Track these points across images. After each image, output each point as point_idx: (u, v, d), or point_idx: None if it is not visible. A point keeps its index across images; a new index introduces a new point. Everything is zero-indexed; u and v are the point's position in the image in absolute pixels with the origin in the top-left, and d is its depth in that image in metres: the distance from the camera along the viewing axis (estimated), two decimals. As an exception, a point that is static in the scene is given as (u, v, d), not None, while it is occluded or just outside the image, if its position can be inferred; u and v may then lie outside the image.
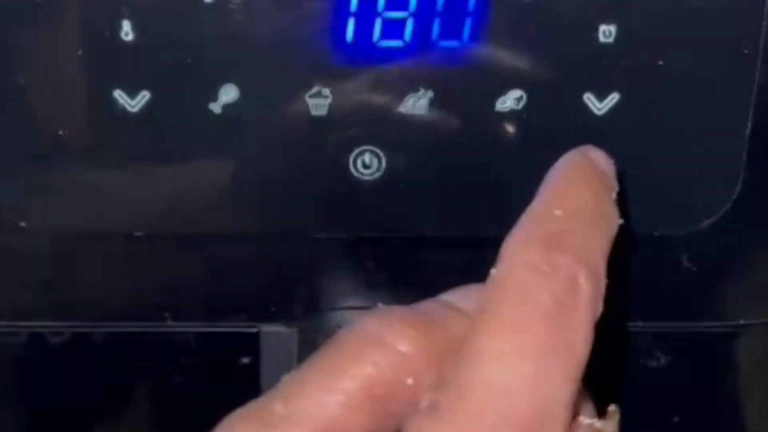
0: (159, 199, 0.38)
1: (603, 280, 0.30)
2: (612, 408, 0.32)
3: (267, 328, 0.41)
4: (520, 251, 0.30)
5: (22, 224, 0.38)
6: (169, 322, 0.41)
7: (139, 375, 0.42)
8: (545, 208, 0.31)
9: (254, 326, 0.41)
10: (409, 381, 0.29)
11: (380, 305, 0.32)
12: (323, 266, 0.40)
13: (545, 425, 0.27)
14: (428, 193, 0.38)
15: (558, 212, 0.31)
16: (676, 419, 0.43)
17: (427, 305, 0.31)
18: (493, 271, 0.30)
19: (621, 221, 0.32)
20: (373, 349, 0.29)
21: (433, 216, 0.38)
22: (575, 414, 0.30)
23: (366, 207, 0.38)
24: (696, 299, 0.41)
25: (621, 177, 0.37)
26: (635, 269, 0.40)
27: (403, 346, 0.29)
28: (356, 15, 0.35)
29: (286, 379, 0.30)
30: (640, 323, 0.41)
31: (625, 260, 0.39)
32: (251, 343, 0.41)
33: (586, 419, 0.30)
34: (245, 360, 0.42)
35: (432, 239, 0.39)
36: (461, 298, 0.32)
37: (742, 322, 0.42)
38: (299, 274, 0.40)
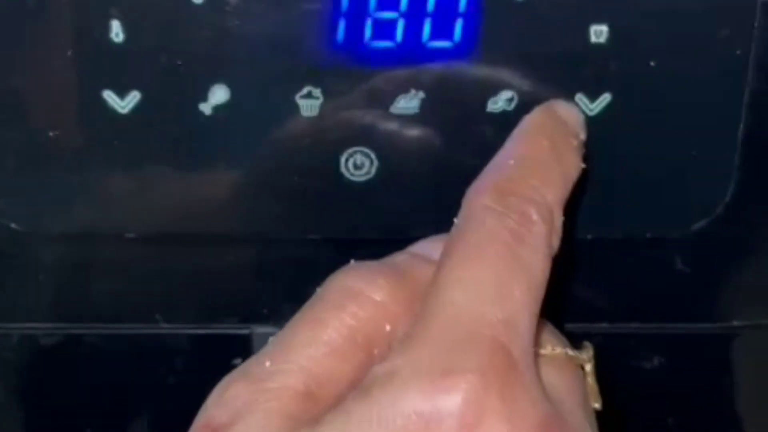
0: (150, 201, 0.38)
1: (558, 217, 0.32)
2: (585, 343, 0.34)
3: (259, 330, 0.41)
4: (476, 197, 0.32)
5: (14, 226, 0.38)
6: (162, 324, 0.41)
7: (131, 377, 0.42)
8: (501, 160, 0.34)
9: (246, 328, 0.41)
10: (387, 327, 0.31)
11: (353, 261, 0.33)
12: (315, 267, 0.39)
13: (511, 332, 0.29)
14: (420, 194, 0.38)
15: (511, 161, 0.33)
16: (670, 420, 0.43)
17: (397, 257, 0.34)
18: (455, 220, 0.32)
19: (583, 165, 0.34)
20: (351, 301, 0.31)
21: (425, 217, 0.38)
22: (550, 346, 0.32)
23: (357, 208, 0.38)
24: (689, 301, 0.41)
25: (613, 178, 0.37)
26: (628, 271, 0.40)
27: (379, 295, 0.31)
28: (347, 16, 0.35)
29: (272, 339, 0.32)
30: (634, 325, 0.41)
31: (617, 262, 0.39)
32: (243, 345, 0.41)
33: (561, 349, 0.32)
34: (237, 361, 0.42)
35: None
36: (428, 248, 0.34)
37: (735, 323, 0.42)
38: (291, 275, 0.40)
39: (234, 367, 0.42)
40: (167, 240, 0.39)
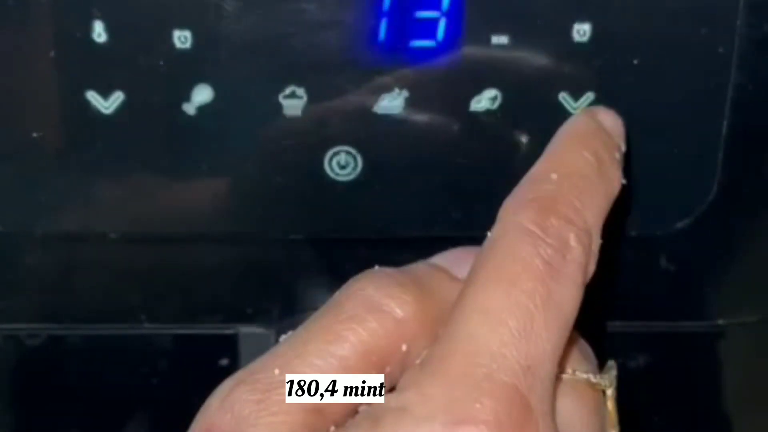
0: (134, 201, 0.37)
1: (596, 241, 0.31)
2: (609, 363, 0.33)
3: (245, 330, 0.41)
4: (514, 214, 0.30)
5: (-4, 226, 0.38)
6: (146, 325, 0.41)
7: (115, 378, 0.42)
8: (542, 172, 0.32)
9: (231, 328, 0.41)
10: (404, 347, 0.29)
11: (377, 267, 0.31)
12: (300, 267, 0.40)
13: (532, 378, 0.28)
14: (404, 193, 0.37)
15: (554, 175, 0.31)
16: (655, 419, 0.43)
17: (421, 269, 0.32)
18: (489, 233, 0.31)
19: (624, 182, 0.33)
20: (370, 315, 0.29)
21: (410, 216, 0.38)
22: (572, 369, 0.31)
23: (342, 208, 0.38)
24: (674, 299, 0.41)
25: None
26: (612, 269, 0.40)
27: (401, 313, 0.29)
28: (330, 15, 0.35)
29: (283, 342, 0.30)
30: (618, 323, 0.41)
31: (602, 261, 0.39)
32: (229, 345, 0.41)
33: (582, 374, 0.31)
34: (223, 362, 0.42)
35: (409, 240, 0.38)
36: (452, 262, 0.33)
37: (720, 322, 0.42)
38: (276, 275, 0.40)
39: (220, 368, 0.42)
40: (151, 240, 0.38)
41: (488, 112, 0.36)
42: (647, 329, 0.41)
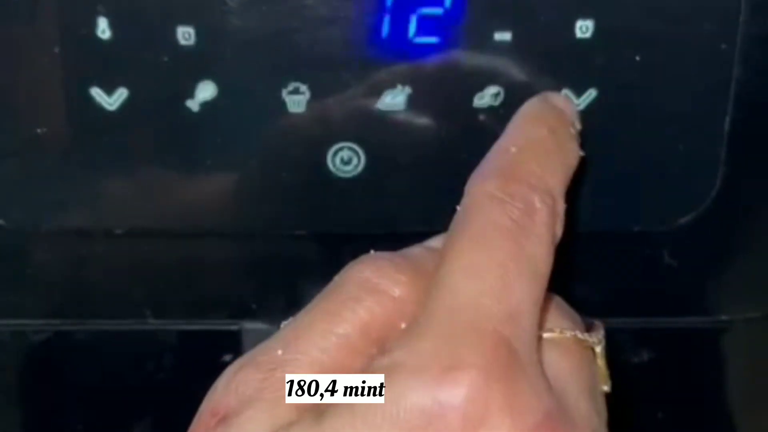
0: (138, 197, 0.38)
1: (560, 205, 0.32)
2: (596, 323, 0.34)
3: (248, 326, 0.41)
4: (480, 185, 0.32)
5: (2, 223, 0.38)
6: (151, 320, 0.41)
7: (120, 373, 0.42)
8: (503, 146, 0.33)
9: (235, 323, 0.41)
10: (402, 324, 0.30)
11: (372, 252, 0.32)
12: (303, 263, 0.40)
13: (514, 326, 0.29)
14: (407, 189, 0.38)
15: (513, 148, 0.33)
16: (660, 415, 0.43)
17: (416, 251, 0.33)
18: (458, 207, 0.32)
19: (581, 153, 0.34)
20: (369, 295, 0.30)
21: (413, 212, 0.38)
22: (559, 329, 0.32)
23: (345, 203, 0.38)
24: (677, 295, 0.41)
25: (599, 173, 0.37)
26: (616, 265, 0.40)
27: (397, 292, 0.30)
28: (333, 12, 0.35)
29: (284, 327, 0.31)
30: (622, 319, 0.41)
31: (605, 256, 0.39)
32: (233, 341, 0.41)
33: (569, 332, 0.32)
34: (227, 357, 0.42)
35: (411, 235, 0.38)
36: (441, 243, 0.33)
37: (724, 317, 0.42)
38: (280, 271, 0.40)
39: (224, 363, 0.42)
40: (156, 236, 0.39)
41: (490, 109, 0.36)
42: (651, 325, 0.41)
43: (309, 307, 0.31)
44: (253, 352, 0.31)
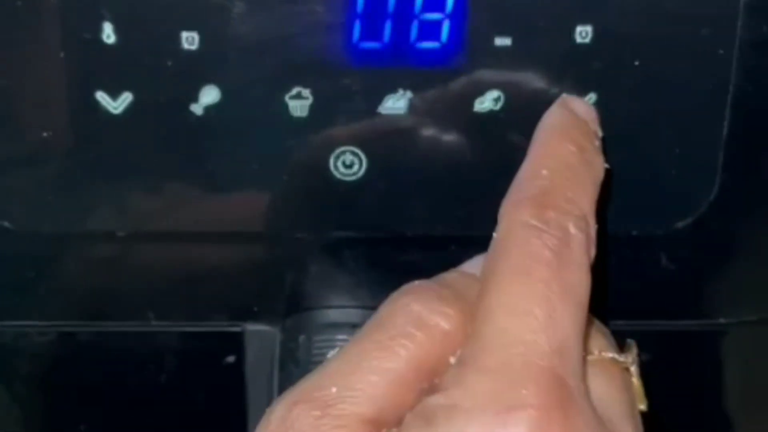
0: (141, 200, 0.38)
1: (593, 226, 0.33)
2: (629, 342, 0.34)
3: (250, 327, 0.41)
4: (514, 212, 0.32)
5: (6, 225, 0.38)
6: (153, 322, 0.41)
7: (123, 374, 0.43)
8: (532, 168, 0.33)
9: (238, 325, 0.42)
10: (452, 358, 0.30)
11: (417, 282, 0.32)
12: (306, 266, 0.40)
13: (565, 360, 0.29)
14: (409, 192, 0.38)
15: (544, 171, 0.33)
16: (657, 417, 0.43)
17: (457, 279, 0.33)
18: (494, 234, 0.32)
19: (607, 166, 0.35)
20: (419, 330, 0.30)
21: (414, 215, 0.38)
22: (597, 350, 0.33)
23: (347, 207, 0.38)
24: (675, 298, 0.41)
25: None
26: (614, 269, 0.40)
27: (448, 326, 0.31)
28: (335, 17, 0.35)
29: (333, 359, 0.31)
30: (620, 322, 0.41)
31: (603, 260, 0.40)
32: (235, 342, 0.42)
33: (608, 354, 0.33)
34: (229, 359, 0.42)
35: (413, 238, 0.39)
36: (478, 268, 0.33)
37: (722, 320, 0.42)
38: (282, 273, 0.40)
39: (227, 365, 0.42)
40: (159, 238, 0.39)
41: (491, 113, 0.37)
42: (648, 328, 0.42)
43: (358, 339, 0.31)
44: (305, 387, 0.30)
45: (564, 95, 0.36)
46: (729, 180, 0.38)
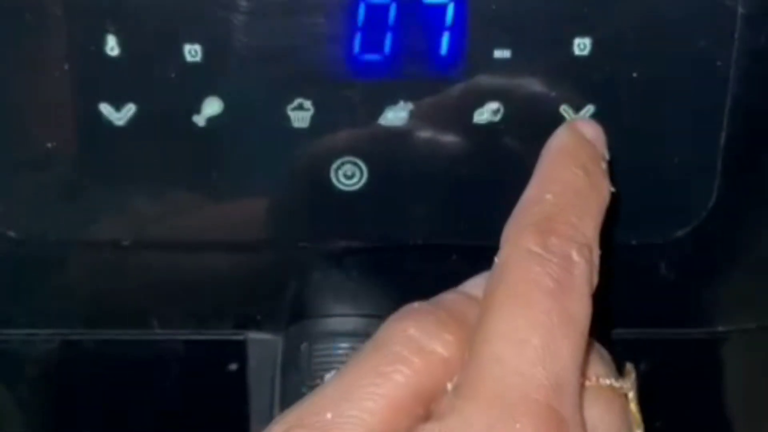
0: (145, 209, 0.38)
1: (596, 253, 0.32)
2: (628, 366, 0.34)
3: (253, 336, 0.42)
4: (517, 238, 0.31)
5: (12, 234, 0.38)
6: (157, 330, 0.41)
7: (126, 382, 0.43)
8: (536, 193, 0.33)
9: (241, 334, 0.42)
10: (449, 386, 0.30)
11: (416, 304, 0.32)
12: (307, 275, 0.40)
13: (561, 393, 0.29)
14: (409, 202, 0.38)
15: (549, 195, 0.33)
16: (656, 425, 0.44)
17: (456, 301, 0.32)
18: (496, 258, 0.32)
19: (613, 190, 0.34)
20: (416, 356, 0.30)
21: (414, 225, 0.39)
22: (595, 376, 0.32)
23: (348, 216, 0.38)
24: (674, 306, 0.42)
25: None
26: (613, 277, 0.40)
27: (446, 352, 0.30)
28: (336, 29, 0.36)
29: (329, 383, 0.31)
30: (619, 330, 0.42)
31: (602, 268, 0.40)
32: (238, 351, 0.42)
33: (605, 380, 0.32)
34: (232, 367, 0.43)
35: (413, 248, 0.39)
36: (481, 288, 0.33)
37: (720, 328, 0.42)
38: (284, 282, 0.41)
39: (229, 373, 0.43)
40: (162, 248, 0.39)
41: (491, 124, 0.37)
42: (647, 336, 0.42)
43: (354, 363, 0.31)
44: (299, 412, 0.30)
45: (573, 120, 0.36)
46: (727, 189, 0.38)
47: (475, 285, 0.34)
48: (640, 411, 0.34)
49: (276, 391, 0.41)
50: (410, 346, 0.30)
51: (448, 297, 0.33)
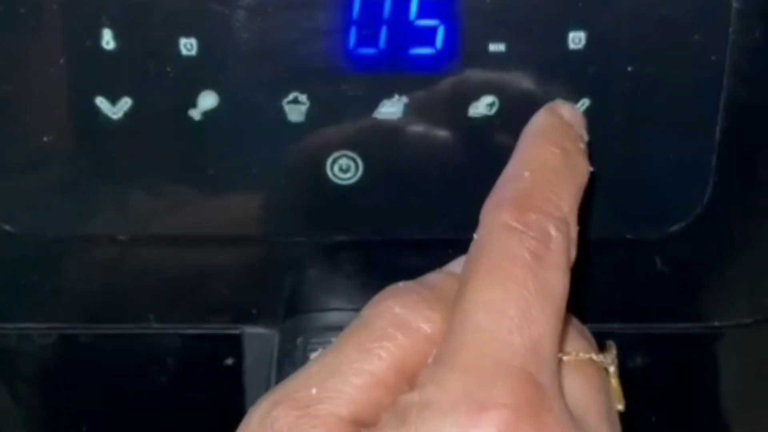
0: (141, 204, 0.38)
1: (574, 227, 0.33)
2: (609, 342, 0.35)
3: (249, 330, 0.42)
4: (495, 214, 0.32)
5: (8, 228, 0.39)
6: (153, 324, 0.41)
7: (123, 376, 0.43)
8: (515, 171, 0.34)
9: (237, 328, 0.42)
10: (431, 360, 0.30)
11: (401, 283, 0.32)
12: (303, 269, 0.41)
13: (538, 360, 0.30)
14: (404, 196, 0.38)
15: (526, 173, 0.33)
16: (652, 420, 0.44)
17: (441, 280, 0.33)
18: (475, 235, 0.32)
19: (591, 169, 0.34)
20: (400, 332, 0.31)
21: (410, 219, 0.39)
22: (575, 351, 0.33)
23: (344, 210, 0.39)
24: (670, 301, 0.42)
25: (593, 181, 0.38)
26: (609, 272, 0.41)
27: (428, 328, 0.31)
28: (332, 23, 0.36)
29: (315, 360, 0.31)
30: (616, 325, 0.42)
31: (597, 263, 0.40)
32: (234, 345, 0.42)
33: (585, 354, 0.33)
34: (228, 361, 0.43)
35: (409, 241, 0.39)
36: (461, 267, 0.33)
37: (716, 323, 0.42)
38: (280, 276, 0.41)
39: (226, 367, 0.43)
40: (158, 242, 0.39)
41: (485, 118, 0.37)
42: (643, 331, 0.42)
43: (340, 342, 0.31)
44: (286, 388, 0.31)
45: (553, 102, 0.36)
46: (722, 183, 0.38)
47: (458, 264, 0.34)
48: (622, 386, 0.34)
49: (272, 384, 0.41)
50: (395, 323, 0.31)
51: (432, 276, 0.34)
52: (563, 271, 0.31)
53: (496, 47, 0.36)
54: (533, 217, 0.32)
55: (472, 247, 0.32)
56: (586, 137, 0.35)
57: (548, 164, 0.34)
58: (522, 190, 0.33)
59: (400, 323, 0.31)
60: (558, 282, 0.31)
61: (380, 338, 0.31)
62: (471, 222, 0.38)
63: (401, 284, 0.33)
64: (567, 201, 0.33)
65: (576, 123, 0.35)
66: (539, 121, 0.35)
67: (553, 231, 0.32)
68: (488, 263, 0.31)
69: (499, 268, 0.31)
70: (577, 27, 0.36)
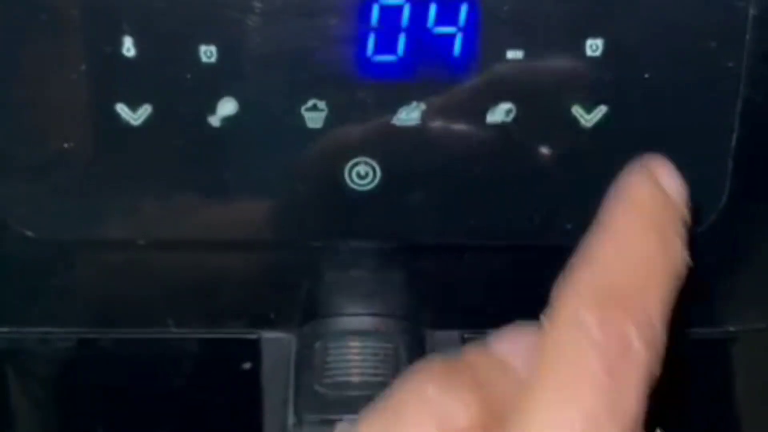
0: (161, 209, 0.39)
1: (660, 337, 0.29)
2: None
3: (267, 335, 0.42)
4: (573, 303, 0.28)
5: (29, 233, 0.39)
6: (172, 329, 0.42)
7: (142, 380, 0.43)
8: (603, 253, 0.29)
9: (255, 333, 0.42)
10: None
11: (435, 360, 0.29)
12: (321, 274, 0.41)
13: None
14: (421, 202, 0.38)
15: (616, 261, 0.29)
16: (664, 424, 0.44)
17: (479, 360, 0.30)
18: (543, 318, 0.29)
19: (690, 263, 0.30)
20: (434, 419, 0.28)
21: (427, 225, 0.39)
22: None
23: (361, 216, 0.39)
24: (684, 306, 0.41)
25: (609, 189, 0.38)
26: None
27: (465, 421, 0.28)
28: (350, 31, 0.36)
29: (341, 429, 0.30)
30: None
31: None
32: (252, 349, 0.42)
33: None
34: (246, 365, 0.43)
35: (425, 247, 0.40)
36: (511, 345, 0.30)
37: (731, 328, 0.42)
38: (298, 282, 0.41)
39: (243, 371, 0.43)
40: (177, 247, 0.40)
41: (503, 125, 0.37)
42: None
43: (369, 422, 0.28)
44: None
45: (650, 161, 0.31)
46: (738, 189, 0.39)
47: (500, 339, 0.30)
48: None
49: (289, 389, 0.41)
50: (429, 411, 0.28)
51: (472, 355, 0.30)
52: (640, 390, 0.28)
53: (514, 54, 0.36)
54: (616, 320, 0.28)
55: (542, 345, 0.28)
56: (689, 220, 0.31)
57: (642, 252, 0.29)
58: (608, 282, 0.28)
59: (434, 411, 0.28)
60: (632, 403, 0.27)
61: (411, 425, 0.27)
62: (489, 228, 0.39)
63: (436, 361, 0.29)
64: (657, 300, 0.29)
65: (677, 197, 0.31)
66: (637, 189, 0.30)
67: (635, 341, 0.27)
68: (557, 377, 0.27)
69: (570, 386, 0.27)
70: (595, 34, 0.36)
